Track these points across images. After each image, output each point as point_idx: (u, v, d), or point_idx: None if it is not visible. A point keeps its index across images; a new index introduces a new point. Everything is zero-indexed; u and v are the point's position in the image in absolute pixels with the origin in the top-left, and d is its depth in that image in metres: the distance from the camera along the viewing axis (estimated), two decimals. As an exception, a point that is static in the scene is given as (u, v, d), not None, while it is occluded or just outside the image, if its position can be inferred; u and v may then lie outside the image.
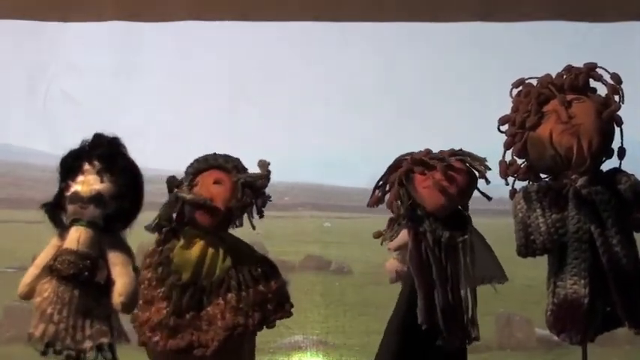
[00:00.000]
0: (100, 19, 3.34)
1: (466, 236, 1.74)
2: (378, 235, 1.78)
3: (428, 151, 1.78)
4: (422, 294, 1.72)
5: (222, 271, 1.77)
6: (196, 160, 1.85)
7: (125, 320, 1.88)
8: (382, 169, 1.83)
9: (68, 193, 1.84)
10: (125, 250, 1.87)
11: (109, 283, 1.81)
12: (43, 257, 1.85)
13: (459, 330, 1.75)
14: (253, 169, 1.87)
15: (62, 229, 1.84)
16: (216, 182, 1.80)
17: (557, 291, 1.70)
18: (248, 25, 3.60)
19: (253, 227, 1.83)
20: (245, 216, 1.83)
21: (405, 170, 1.75)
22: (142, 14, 3.34)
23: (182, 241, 1.79)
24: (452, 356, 1.76)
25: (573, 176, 1.67)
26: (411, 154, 1.78)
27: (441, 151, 1.78)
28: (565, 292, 1.69)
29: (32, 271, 1.84)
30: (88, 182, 1.83)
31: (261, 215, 1.83)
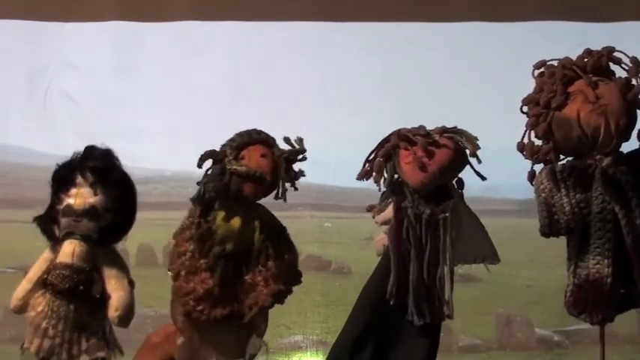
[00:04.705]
0: (100, 19, 3.35)
1: (447, 214, 1.75)
2: (370, 208, 1.84)
3: (420, 128, 1.80)
4: (395, 269, 1.76)
5: (259, 241, 1.83)
6: (239, 135, 1.90)
7: (119, 332, 1.88)
8: (382, 169, 1.83)
9: (61, 206, 1.82)
10: (119, 263, 1.87)
11: (104, 296, 1.81)
12: (36, 271, 1.84)
13: (430, 308, 1.76)
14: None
15: (55, 242, 1.83)
16: (262, 156, 1.85)
17: (579, 271, 1.71)
18: (248, 25, 3.60)
19: (285, 200, 1.88)
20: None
21: (391, 145, 1.78)
22: (142, 14, 3.34)
23: (224, 213, 1.83)
24: (423, 331, 1.77)
25: (598, 156, 1.68)
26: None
27: (435, 128, 1.79)
28: (587, 272, 1.70)
29: (25, 285, 1.83)
30: (81, 195, 1.82)
31: (295, 188, 1.90)
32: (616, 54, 1.74)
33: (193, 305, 1.80)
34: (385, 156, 1.79)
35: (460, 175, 1.87)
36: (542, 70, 1.78)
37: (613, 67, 1.77)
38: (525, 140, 1.75)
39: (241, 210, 1.84)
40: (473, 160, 1.82)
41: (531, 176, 1.76)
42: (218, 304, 1.80)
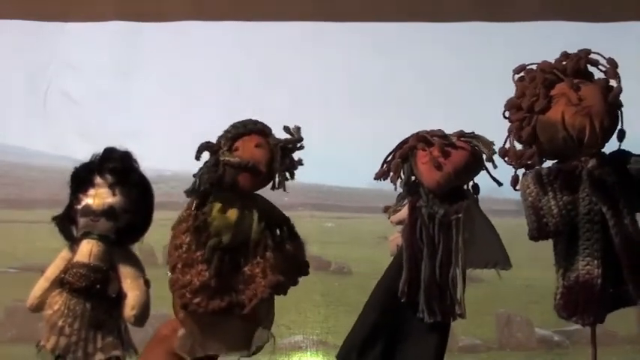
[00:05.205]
0: (100, 19, 3.35)
1: (460, 215, 1.76)
2: (385, 209, 1.85)
3: (438, 130, 1.82)
4: (407, 267, 1.77)
5: (257, 232, 1.80)
6: (234, 126, 1.87)
7: (134, 332, 1.88)
8: (382, 170, 1.84)
9: (79, 206, 1.83)
10: (135, 263, 1.88)
11: (120, 295, 1.82)
12: (53, 270, 1.85)
13: (442, 307, 1.76)
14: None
15: (72, 242, 1.84)
16: (257, 146, 1.83)
17: (568, 274, 1.71)
18: (248, 25, 3.60)
19: (284, 189, 1.85)
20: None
21: (409, 146, 1.80)
22: (142, 14, 3.34)
23: (220, 205, 1.81)
24: (433, 329, 1.78)
25: (583, 158, 1.68)
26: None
27: (453, 132, 1.81)
28: (577, 274, 1.70)
29: (42, 284, 1.84)
30: (100, 195, 1.83)
31: (292, 177, 1.86)
32: (592, 56, 1.75)
33: (190, 298, 1.78)
34: (403, 157, 1.81)
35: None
36: (522, 74, 1.79)
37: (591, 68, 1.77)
38: (507, 145, 1.76)
39: (239, 201, 1.82)
40: (489, 166, 1.83)
41: (515, 181, 1.76)
42: (216, 296, 1.78)
